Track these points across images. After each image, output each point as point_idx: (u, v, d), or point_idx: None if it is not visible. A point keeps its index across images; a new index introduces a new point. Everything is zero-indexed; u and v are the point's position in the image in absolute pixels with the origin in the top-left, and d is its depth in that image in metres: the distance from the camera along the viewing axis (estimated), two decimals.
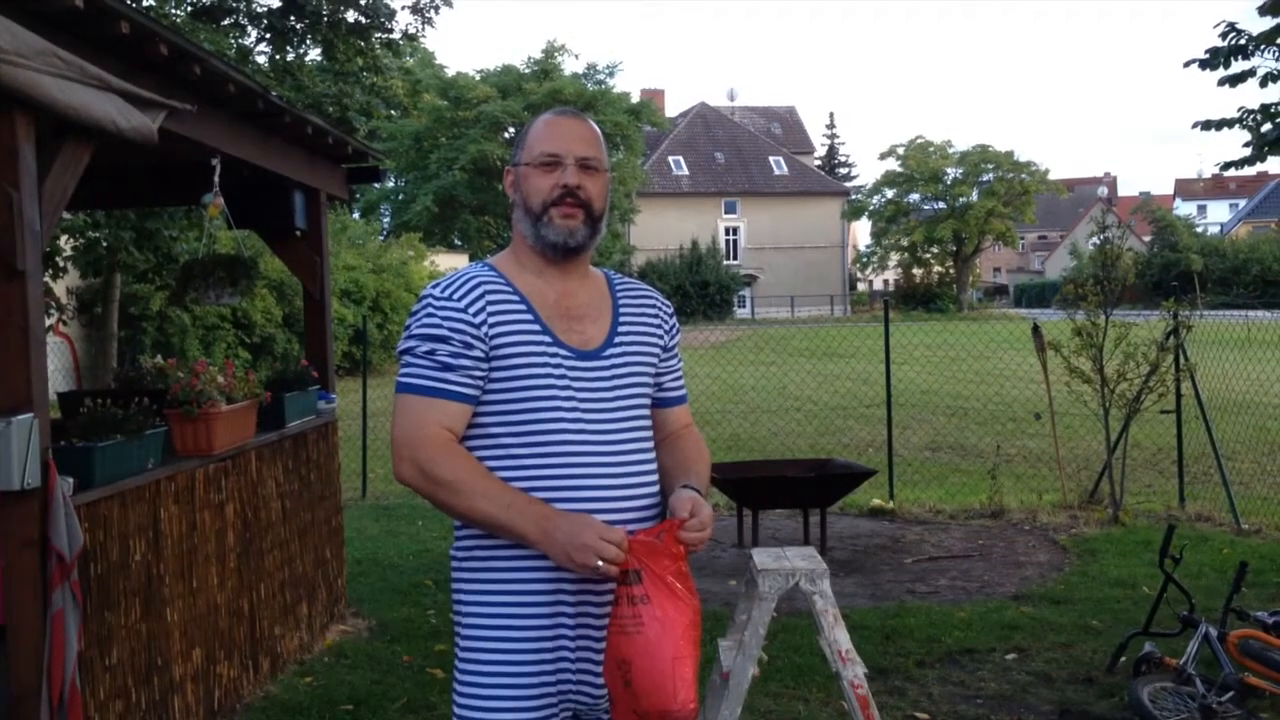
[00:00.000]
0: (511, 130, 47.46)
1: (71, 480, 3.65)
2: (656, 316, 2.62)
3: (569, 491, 2.36)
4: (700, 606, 2.35)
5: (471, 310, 2.39)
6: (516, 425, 2.39)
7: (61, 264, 14.87)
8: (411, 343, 2.41)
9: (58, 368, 17.24)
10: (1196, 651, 4.82)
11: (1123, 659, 5.39)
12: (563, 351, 2.43)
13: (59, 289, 15.96)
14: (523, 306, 2.44)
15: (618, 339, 2.51)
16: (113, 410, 4.10)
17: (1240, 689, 4.61)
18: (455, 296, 2.41)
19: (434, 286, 2.46)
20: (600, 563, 2.24)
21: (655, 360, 2.59)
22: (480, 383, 2.39)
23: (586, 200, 2.48)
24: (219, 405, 4.82)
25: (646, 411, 2.55)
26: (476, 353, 2.38)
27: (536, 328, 2.42)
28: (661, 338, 2.61)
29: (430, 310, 2.41)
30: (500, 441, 2.40)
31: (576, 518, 2.30)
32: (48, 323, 12.79)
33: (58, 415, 5.08)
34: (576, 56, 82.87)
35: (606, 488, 2.39)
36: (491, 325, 2.39)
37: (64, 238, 14.61)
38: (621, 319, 2.55)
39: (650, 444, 2.54)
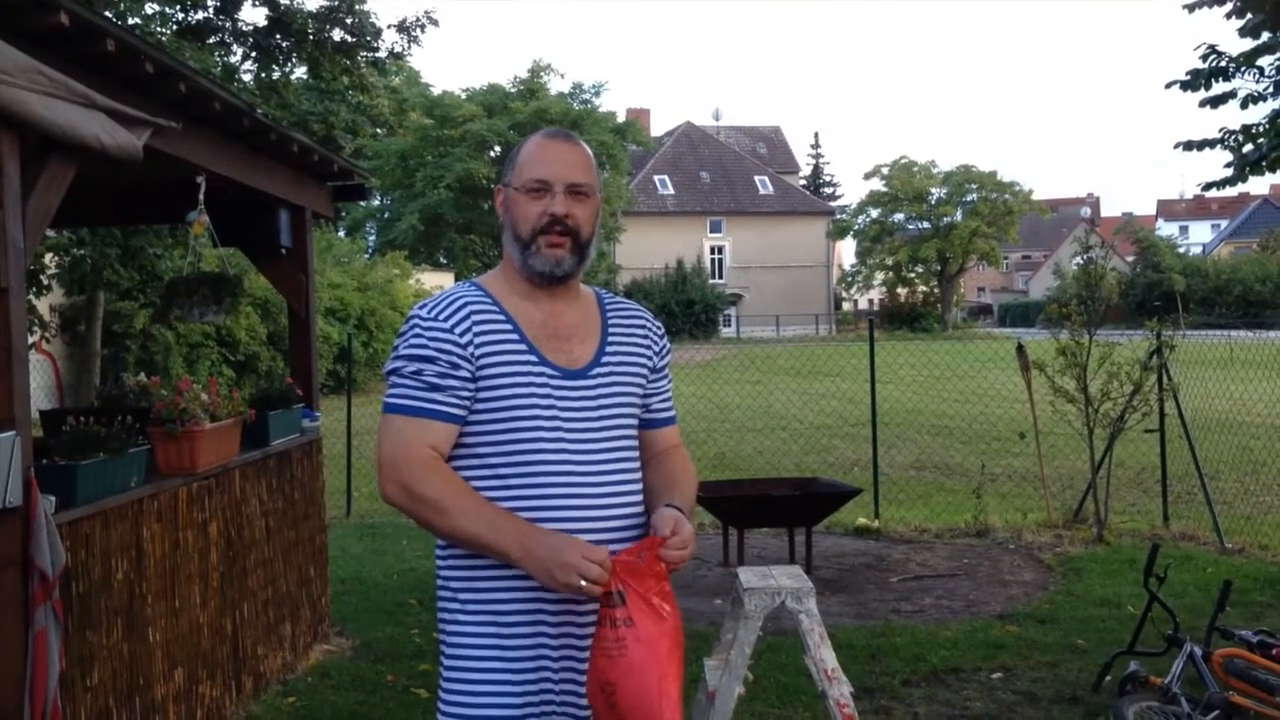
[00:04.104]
0: (497, 149, 47.55)
1: (54, 499, 3.64)
2: (646, 336, 2.62)
3: (551, 510, 2.36)
4: (682, 625, 2.35)
5: (458, 331, 2.39)
6: (501, 445, 2.39)
7: (46, 281, 14.81)
8: (398, 363, 2.41)
9: (40, 386, 17.16)
10: (1181, 670, 4.83)
11: (1108, 678, 5.39)
12: (549, 370, 2.42)
13: (42, 306, 15.91)
14: (509, 326, 2.44)
15: (605, 359, 2.51)
16: (95, 428, 4.08)
17: (1225, 708, 4.61)
18: (441, 317, 2.41)
19: (421, 307, 2.46)
20: (583, 582, 2.23)
21: (643, 380, 2.58)
22: (467, 403, 2.39)
23: (575, 228, 2.47)
24: (202, 423, 4.80)
25: (632, 431, 2.54)
26: (463, 373, 2.38)
27: (523, 347, 2.42)
28: (651, 358, 2.60)
29: (417, 331, 2.41)
30: (487, 461, 2.40)
31: (560, 536, 2.29)
32: (30, 340, 12.74)
33: (40, 433, 5.06)
34: (562, 76, 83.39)
35: (587, 507, 2.39)
36: (478, 346, 2.39)
37: (48, 255, 14.57)
38: (610, 339, 2.55)
39: (635, 464, 2.53)
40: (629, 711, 2.25)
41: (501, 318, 2.44)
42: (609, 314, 2.60)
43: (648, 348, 2.61)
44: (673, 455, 2.63)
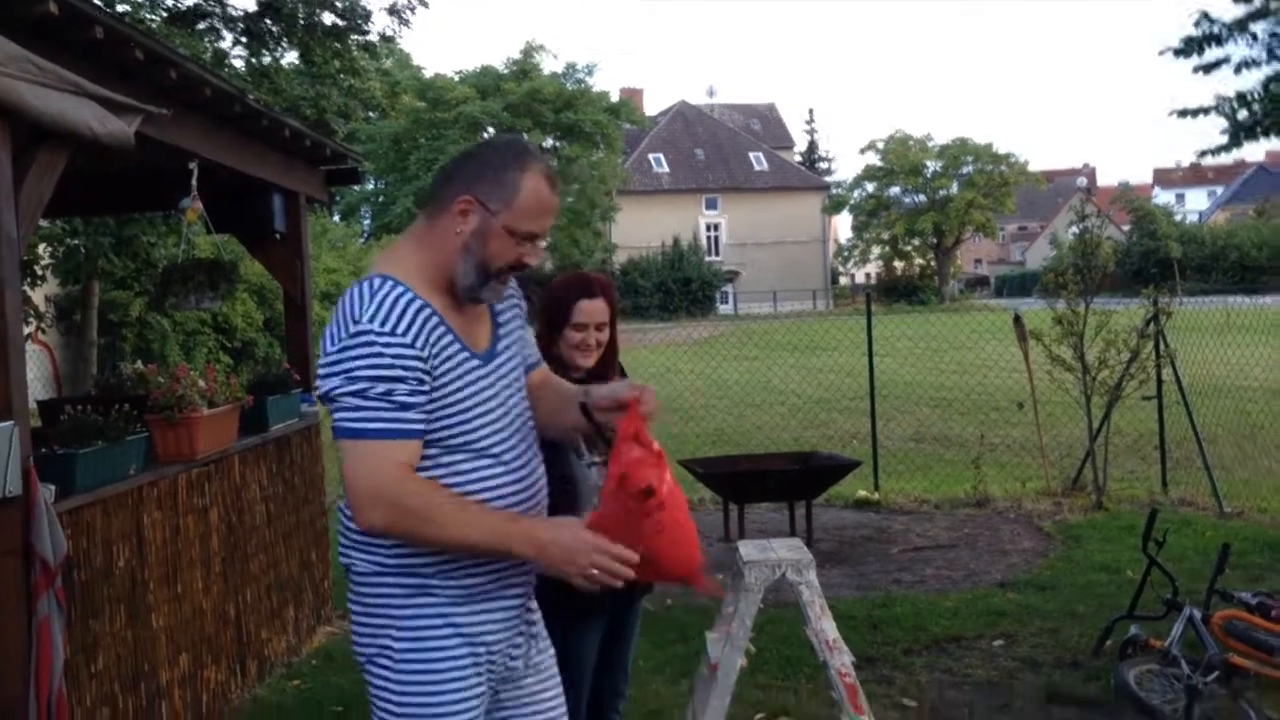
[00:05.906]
0: (491, 130, 47.40)
1: (53, 487, 3.64)
2: (513, 297, 2.64)
3: (490, 491, 2.41)
4: (664, 453, 2.38)
5: (417, 344, 2.32)
6: (445, 438, 2.39)
7: (40, 272, 14.81)
8: (362, 384, 2.28)
9: (37, 376, 17.14)
10: (1181, 633, 4.86)
11: (1108, 643, 5.42)
12: (475, 361, 2.44)
13: (37, 297, 15.91)
14: (444, 327, 2.40)
15: (500, 333, 2.55)
16: (94, 417, 4.09)
17: (1225, 669, 4.64)
18: (399, 331, 2.31)
19: (370, 320, 2.31)
20: (595, 572, 2.27)
21: (524, 342, 2.65)
22: (428, 413, 2.36)
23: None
24: (200, 410, 4.81)
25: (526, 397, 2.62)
26: (427, 386, 2.34)
27: (457, 345, 2.41)
28: (521, 316, 2.66)
29: (378, 349, 2.28)
30: (427, 451, 2.37)
31: (558, 526, 2.35)
32: (26, 331, 12.75)
33: (38, 423, 5.06)
34: (555, 56, 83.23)
35: (518, 479, 2.47)
36: (434, 356, 2.35)
37: (42, 245, 14.56)
38: (496, 312, 2.57)
39: (534, 430, 2.60)
40: (673, 566, 2.38)
41: (436, 318, 2.39)
42: None
43: (517, 305, 2.65)
44: (554, 380, 2.75)
